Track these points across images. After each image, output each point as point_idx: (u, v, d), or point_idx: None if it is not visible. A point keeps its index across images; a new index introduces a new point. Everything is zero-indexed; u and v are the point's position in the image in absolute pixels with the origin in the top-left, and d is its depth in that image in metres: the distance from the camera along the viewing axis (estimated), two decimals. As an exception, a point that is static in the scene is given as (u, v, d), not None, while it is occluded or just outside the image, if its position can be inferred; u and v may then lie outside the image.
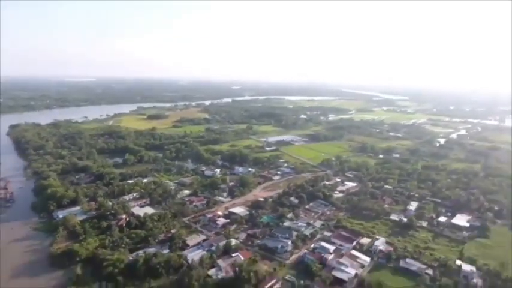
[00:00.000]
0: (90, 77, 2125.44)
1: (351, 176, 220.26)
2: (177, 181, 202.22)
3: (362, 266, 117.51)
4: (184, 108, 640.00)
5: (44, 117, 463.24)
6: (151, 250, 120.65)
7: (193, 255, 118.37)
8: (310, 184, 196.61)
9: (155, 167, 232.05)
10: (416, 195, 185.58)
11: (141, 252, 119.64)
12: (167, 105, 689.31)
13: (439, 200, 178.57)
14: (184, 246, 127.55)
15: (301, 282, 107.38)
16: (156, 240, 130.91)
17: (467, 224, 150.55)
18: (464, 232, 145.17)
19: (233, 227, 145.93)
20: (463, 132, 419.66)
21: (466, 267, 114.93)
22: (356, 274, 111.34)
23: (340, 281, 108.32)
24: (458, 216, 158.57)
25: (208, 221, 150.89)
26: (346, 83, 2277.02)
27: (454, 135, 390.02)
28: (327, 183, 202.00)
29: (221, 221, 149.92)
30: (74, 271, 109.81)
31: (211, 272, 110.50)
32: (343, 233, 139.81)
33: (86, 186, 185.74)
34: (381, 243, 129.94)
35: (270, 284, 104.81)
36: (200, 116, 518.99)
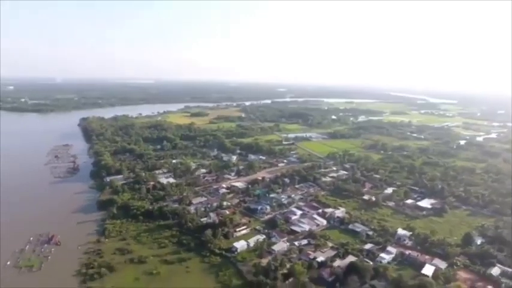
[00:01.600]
0: (150, 79, 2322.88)
1: (347, 166, 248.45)
2: (198, 163, 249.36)
3: (317, 225, 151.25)
4: (225, 108, 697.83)
5: (108, 113, 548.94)
6: (165, 203, 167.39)
7: (193, 209, 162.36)
8: (307, 170, 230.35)
9: (184, 152, 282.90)
10: (399, 183, 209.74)
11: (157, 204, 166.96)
12: (210, 105, 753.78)
13: (416, 188, 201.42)
14: (190, 203, 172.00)
15: (266, 230, 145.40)
16: (171, 199, 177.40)
17: (429, 206, 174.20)
18: (424, 212, 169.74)
19: (231, 195, 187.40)
20: (493, 135, 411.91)
21: (401, 232, 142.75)
22: (309, 229, 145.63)
23: (294, 232, 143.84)
24: (425, 200, 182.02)
25: (213, 190, 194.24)
26: (398, 86, 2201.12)
27: (480, 138, 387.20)
28: (322, 170, 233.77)
29: (223, 191, 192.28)
30: (111, 211, 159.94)
31: (203, 219, 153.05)
32: (314, 204, 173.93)
33: (129, 162, 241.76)
34: (340, 212, 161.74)
35: (241, 229, 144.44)
36: (237, 114, 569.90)
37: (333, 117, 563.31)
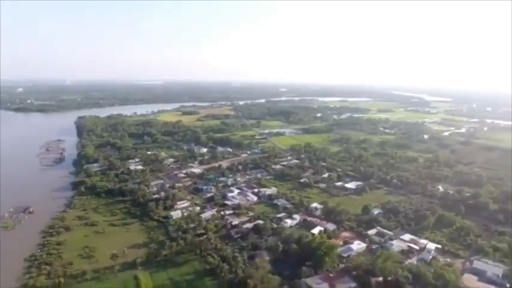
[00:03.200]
0: (158, 80, 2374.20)
1: (303, 156, 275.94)
2: (170, 154, 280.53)
3: (248, 200, 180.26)
4: (218, 107, 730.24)
5: (106, 112, 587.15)
6: (126, 184, 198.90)
7: (149, 188, 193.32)
8: (263, 159, 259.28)
9: (161, 145, 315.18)
10: (339, 169, 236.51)
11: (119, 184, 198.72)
12: (206, 104, 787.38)
13: (352, 173, 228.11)
14: (148, 185, 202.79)
15: (203, 204, 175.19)
16: (133, 181, 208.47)
17: (354, 187, 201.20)
18: (347, 192, 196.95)
19: (187, 179, 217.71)
20: (462, 130, 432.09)
21: (314, 205, 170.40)
22: (239, 204, 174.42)
23: (225, 205, 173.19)
24: (352, 182, 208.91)
25: (173, 175, 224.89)
26: (403, 85, 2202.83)
27: (446, 133, 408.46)
28: (277, 159, 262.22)
29: (181, 175, 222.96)
30: (80, 189, 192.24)
31: (155, 196, 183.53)
32: (254, 185, 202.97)
33: (107, 153, 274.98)
34: (271, 191, 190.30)
35: (182, 203, 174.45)
36: (226, 112, 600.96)
37: (319, 114, 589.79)
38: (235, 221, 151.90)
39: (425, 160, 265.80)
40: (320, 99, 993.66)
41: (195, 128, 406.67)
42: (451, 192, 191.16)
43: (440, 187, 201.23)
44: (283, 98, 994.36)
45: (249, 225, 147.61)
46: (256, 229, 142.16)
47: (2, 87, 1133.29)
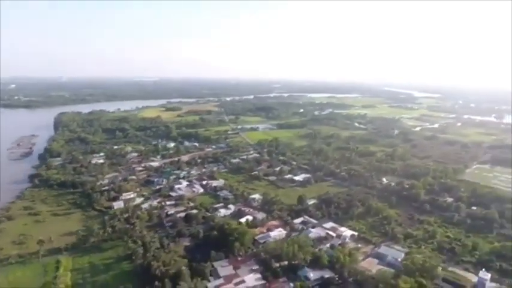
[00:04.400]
0: (155, 77, 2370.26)
1: (265, 150, 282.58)
2: (136, 148, 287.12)
3: (193, 192, 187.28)
4: (204, 103, 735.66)
5: (90, 108, 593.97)
6: (79, 176, 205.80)
7: (104, 179, 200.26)
8: (224, 153, 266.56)
9: (131, 140, 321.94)
10: (294, 162, 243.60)
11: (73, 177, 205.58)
12: (192, 100, 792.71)
13: (305, 166, 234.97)
14: (103, 177, 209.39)
15: (150, 196, 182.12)
16: (90, 174, 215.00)
17: (301, 179, 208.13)
18: (294, 184, 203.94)
19: (143, 172, 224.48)
20: (435, 126, 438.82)
21: (253, 196, 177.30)
22: (182, 195, 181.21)
23: (170, 196, 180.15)
24: (302, 175, 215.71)
25: (131, 168, 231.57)
26: (396, 82, 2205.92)
27: (418, 128, 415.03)
28: (237, 153, 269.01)
29: (139, 169, 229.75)
30: (34, 182, 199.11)
31: (105, 188, 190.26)
32: (205, 177, 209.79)
33: (74, 148, 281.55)
34: (218, 183, 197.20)
35: (128, 194, 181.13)
36: (209, 109, 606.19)
37: (301, 110, 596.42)
38: (171, 211, 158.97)
39: (383, 154, 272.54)
40: (309, 95, 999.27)
41: (172, 123, 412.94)
42: (393, 184, 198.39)
43: (384, 179, 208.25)
44: (272, 95, 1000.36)
45: (182, 214, 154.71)
46: (188, 218, 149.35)
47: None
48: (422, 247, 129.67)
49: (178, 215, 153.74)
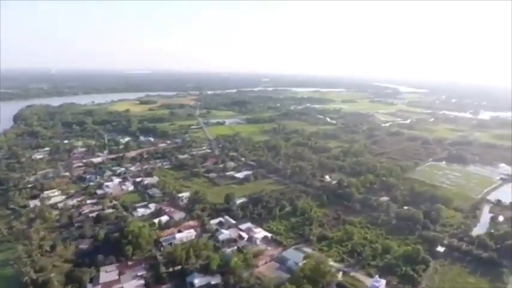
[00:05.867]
0: (148, 70, 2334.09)
1: (220, 145, 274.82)
2: (86, 143, 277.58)
3: (122, 190, 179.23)
4: (183, 96, 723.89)
5: (65, 100, 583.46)
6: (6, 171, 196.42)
7: (32, 176, 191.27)
8: (174, 149, 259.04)
9: (86, 134, 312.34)
10: (243, 158, 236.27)
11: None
12: (172, 93, 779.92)
13: (252, 163, 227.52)
14: (35, 173, 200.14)
15: (76, 192, 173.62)
16: (22, 170, 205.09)
17: (242, 176, 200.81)
18: (234, 181, 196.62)
19: (82, 168, 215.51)
20: (406, 121, 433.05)
21: (182, 194, 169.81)
22: (108, 193, 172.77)
23: (94, 194, 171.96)
24: (243, 172, 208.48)
25: (70, 164, 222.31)
26: (389, 77, 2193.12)
27: (387, 124, 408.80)
28: (187, 149, 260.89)
29: (78, 164, 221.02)
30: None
31: (34, 183, 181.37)
32: (141, 174, 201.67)
33: (19, 142, 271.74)
34: (151, 180, 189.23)
35: (53, 191, 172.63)
36: (186, 102, 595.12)
37: (278, 104, 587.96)
38: (86, 210, 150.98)
39: (339, 150, 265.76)
40: (294, 89, 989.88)
41: (137, 117, 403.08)
42: (334, 182, 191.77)
43: (327, 177, 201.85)
44: (256, 89, 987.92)
45: (97, 213, 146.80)
46: (98, 218, 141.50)
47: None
48: (334, 249, 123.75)
49: (91, 215, 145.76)
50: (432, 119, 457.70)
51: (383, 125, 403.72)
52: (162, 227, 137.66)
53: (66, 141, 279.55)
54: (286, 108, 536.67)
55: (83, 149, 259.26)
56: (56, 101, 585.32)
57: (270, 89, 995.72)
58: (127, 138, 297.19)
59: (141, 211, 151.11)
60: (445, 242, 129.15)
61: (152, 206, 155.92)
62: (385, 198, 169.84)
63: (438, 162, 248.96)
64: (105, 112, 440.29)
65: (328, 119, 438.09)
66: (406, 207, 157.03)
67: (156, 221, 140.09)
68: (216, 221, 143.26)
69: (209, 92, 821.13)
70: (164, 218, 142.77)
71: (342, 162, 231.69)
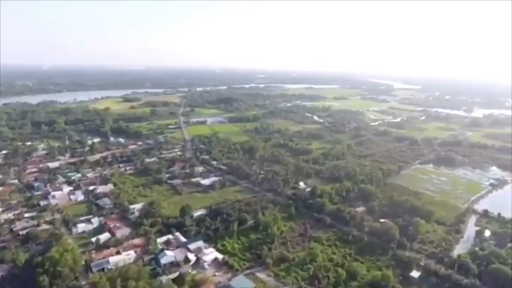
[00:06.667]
0: (143, 66, 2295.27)
1: (193, 148, 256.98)
2: (49, 145, 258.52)
3: (70, 200, 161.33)
4: (170, 93, 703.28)
5: (44, 99, 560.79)
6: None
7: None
8: (143, 150, 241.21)
9: (52, 135, 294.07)
10: (214, 162, 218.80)
11: None
12: (159, 90, 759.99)
13: (224, 167, 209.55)
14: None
15: (19, 203, 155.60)
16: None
17: (208, 183, 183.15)
18: (199, 188, 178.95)
19: (35, 174, 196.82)
20: (397, 120, 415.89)
21: (135, 205, 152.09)
22: (51, 205, 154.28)
23: (36, 205, 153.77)
24: (210, 178, 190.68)
25: (23, 170, 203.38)
26: (386, 74, 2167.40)
27: (376, 123, 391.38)
28: (157, 152, 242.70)
29: (32, 170, 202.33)
30: None
31: None
32: (97, 181, 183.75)
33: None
34: (103, 189, 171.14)
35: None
36: (171, 100, 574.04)
37: (266, 102, 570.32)
38: (19, 226, 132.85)
39: (320, 153, 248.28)
40: (287, 86, 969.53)
41: (118, 116, 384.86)
42: (308, 189, 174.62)
43: (301, 184, 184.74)
44: (248, 85, 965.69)
45: (31, 228, 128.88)
46: (28, 237, 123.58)
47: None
48: (292, 275, 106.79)
49: (21, 232, 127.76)
50: (423, 117, 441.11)
51: (372, 123, 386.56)
52: (101, 246, 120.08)
53: (29, 143, 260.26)
54: (274, 106, 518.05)
55: (44, 152, 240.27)
56: (37, 99, 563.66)
57: (262, 85, 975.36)
58: (96, 139, 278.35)
59: (81, 227, 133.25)
60: (422, 263, 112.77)
61: (96, 221, 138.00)
62: (361, 209, 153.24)
63: (425, 165, 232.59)
64: (82, 111, 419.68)
65: (316, 118, 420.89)
66: (383, 220, 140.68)
67: (94, 239, 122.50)
68: (164, 239, 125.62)
69: (198, 89, 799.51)
70: (104, 236, 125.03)
71: (320, 166, 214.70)
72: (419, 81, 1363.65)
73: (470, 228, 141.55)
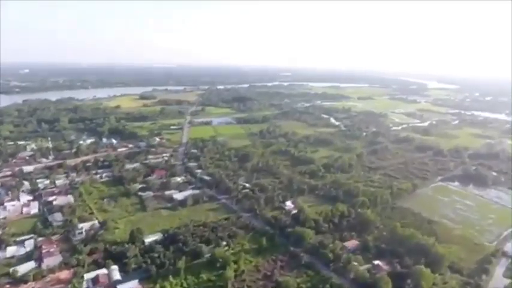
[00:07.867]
0: (174, 64, 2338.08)
1: (185, 153, 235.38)
2: (41, 145, 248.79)
3: (21, 214, 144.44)
4: (190, 91, 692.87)
5: (73, 94, 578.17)
6: None
7: None
8: (132, 154, 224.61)
9: (47, 134, 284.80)
10: (198, 171, 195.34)
11: None
12: (180, 88, 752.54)
13: (207, 177, 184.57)
14: None
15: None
16: None
17: (180, 198, 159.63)
18: (168, 204, 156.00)
19: (9, 176, 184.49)
20: (424, 124, 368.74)
21: (83, 224, 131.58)
22: (5, 217, 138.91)
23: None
24: (186, 191, 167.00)
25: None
26: (420, 72, 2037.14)
27: (399, 127, 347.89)
28: (144, 156, 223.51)
29: (6, 173, 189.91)
30: None
31: None
32: (60, 190, 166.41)
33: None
34: (62, 201, 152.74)
35: None
36: (187, 99, 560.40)
37: (285, 101, 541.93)
38: None
39: (323, 163, 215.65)
40: (311, 84, 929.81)
41: (124, 114, 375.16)
42: (294, 212, 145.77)
43: (288, 203, 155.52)
44: (271, 84, 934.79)
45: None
46: None
47: (10, 69, 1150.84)
48: None
49: None
50: (456, 121, 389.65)
51: (394, 128, 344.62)
52: (17, 280, 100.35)
53: (22, 142, 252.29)
54: (290, 106, 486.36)
55: (29, 153, 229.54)
56: (60, 95, 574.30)
57: (286, 84, 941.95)
58: (90, 140, 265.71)
59: (11, 250, 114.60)
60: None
61: (30, 243, 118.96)
62: (353, 243, 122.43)
63: (448, 182, 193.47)
64: (91, 109, 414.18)
65: (332, 120, 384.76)
66: (376, 262, 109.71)
67: (11, 270, 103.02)
68: (92, 275, 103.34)
69: (219, 87, 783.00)
70: (26, 267, 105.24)
71: (318, 180, 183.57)
72: (457, 80, 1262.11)
73: (497, 281, 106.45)
